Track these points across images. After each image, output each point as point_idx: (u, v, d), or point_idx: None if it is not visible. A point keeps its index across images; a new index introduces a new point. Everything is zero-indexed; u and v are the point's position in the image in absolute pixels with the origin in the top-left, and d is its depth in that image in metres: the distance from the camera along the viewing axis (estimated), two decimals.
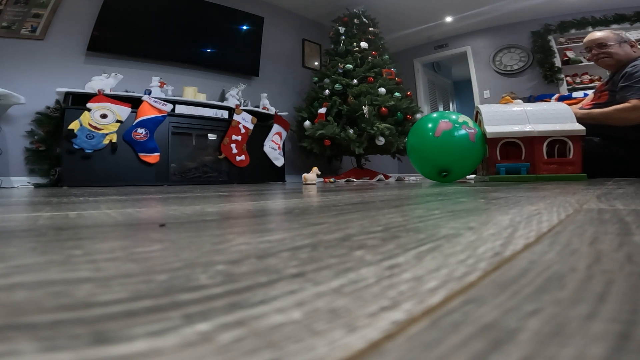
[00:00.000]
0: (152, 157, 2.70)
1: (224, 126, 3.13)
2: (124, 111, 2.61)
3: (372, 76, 3.55)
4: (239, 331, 0.10)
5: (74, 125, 2.40)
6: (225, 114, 3.16)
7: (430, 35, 5.01)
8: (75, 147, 2.40)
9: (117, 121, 2.57)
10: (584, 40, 1.91)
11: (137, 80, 3.02)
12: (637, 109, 1.59)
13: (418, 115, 3.52)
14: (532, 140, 1.59)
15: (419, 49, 5.37)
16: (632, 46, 1.75)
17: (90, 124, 2.46)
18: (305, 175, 2.44)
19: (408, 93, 3.65)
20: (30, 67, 2.68)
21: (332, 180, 3.02)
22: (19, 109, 2.54)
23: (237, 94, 3.37)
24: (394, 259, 0.19)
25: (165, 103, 2.79)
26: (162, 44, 3.25)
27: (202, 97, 3.17)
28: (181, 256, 0.20)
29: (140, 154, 2.65)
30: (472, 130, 1.61)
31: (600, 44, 1.79)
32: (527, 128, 1.58)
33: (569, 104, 1.83)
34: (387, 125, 3.24)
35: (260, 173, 3.32)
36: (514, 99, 3.04)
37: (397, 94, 3.46)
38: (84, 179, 2.43)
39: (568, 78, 4.23)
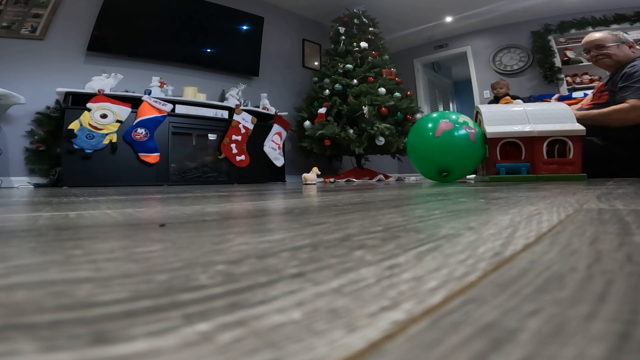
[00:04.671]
0: (152, 157, 2.70)
1: (224, 126, 3.13)
2: (124, 111, 2.61)
3: (372, 76, 3.55)
4: (239, 331, 0.10)
5: (74, 125, 2.40)
6: (225, 114, 3.16)
7: (430, 35, 5.01)
8: (75, 147, 2.40)
9: (117, 121, 2.57)
10: (582, 41, 1.91)
11: (137, 80, 3.02)
12: (635, 109, 1.59)
13: (418, 115, 3.52)
14: (532, 140, 1.59)
15: (419, 49, 5.37)
16: (630, 47, 1.75)
17: (90, 124, 2.46)
18: (305, 175, 2.44)
19: (408, 93, 3.65)
20: (30, 67, 2.68)
21: (332, 180, 3.02)
22: (19, 109, 2.54)
23: (237, 94, 3.37)
24: (394, 259, 0.19)
25: (165, 103, 2.79)
26: (162, 44, 3.25)
27: (202, 97, 3.17)
28: (181, 256, 0.20)
29: (140, 154, 2.65)
30: (472, 130, 1.61)
31: (598, 46, 1.78)
32: (527, 128, 1.58)
33: (569, 104, 1.83)
34: (387, 125, 3.24)
35: (260, 173, 3.32)
36: (502, 87, 3.09)
37: (397, 94, 3.46)
38: (84, 179, 2.43)
39: (568, 78, 4.23)
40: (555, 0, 4.01)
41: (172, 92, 3.04)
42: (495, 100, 3.25)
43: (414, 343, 0.09)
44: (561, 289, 0.13)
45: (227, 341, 0.09)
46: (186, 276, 0.16)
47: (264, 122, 3.43)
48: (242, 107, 3.25)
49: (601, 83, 1.88)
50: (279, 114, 3.58)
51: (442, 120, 1.63)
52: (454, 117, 1.65)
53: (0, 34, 2.60)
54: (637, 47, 1.79)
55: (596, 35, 1.82)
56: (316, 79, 3.88)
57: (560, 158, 1.57)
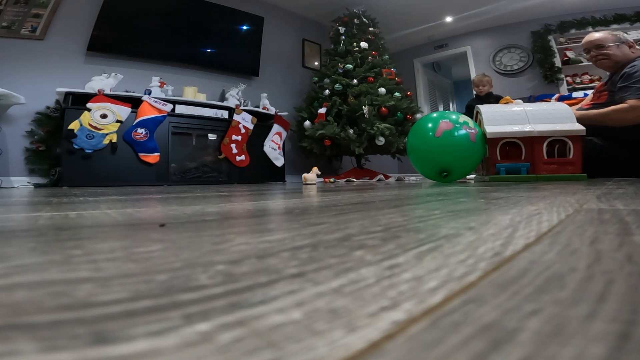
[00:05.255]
0: (152, 157, 2.70)
1: (224, 126, 3.13)
2: (124, 111, 2.61)
3: (372, 76, 3.55)
4: (239, 331, 0.10)
5: (74, 125, 2.40)
6: (225, 114, 3.16)
7: (430, 35, 5.01)
8: (75, 147, 2.40)
9: (117, 121, 2.57)
10: (582, 41, 1.91)
11: (137, 80, 3.02)
12: (635, 109, 1.59)
13: (418, 115, 3.52)
14: (532, 140, 1.59)
15: (419, 49, 5.37)
16: (630, 47, 1.75)
17: (90, 124, 2.46)
18: (305, 175, 2.44)
19: (408, 93, 3.65)
20: (30, 67, 2.68)
21: (332, 180, 3.02)
22: (19, 109, 2.54)
23: (237, 94, 3.37)
24: (394, 259, 0.19)
25: (165, 103, 2.79)
26: (162, 44, 3.25)
27: (202, 97, 3.17)
28: (181, 256, 0.20)
29: (140, 154, 2.65)
30: (473, 131, 1.61)
31: (598, 46, 1.78)
32: (527, 128, 1.58)
33: (569, 104, 1.83)
34: (387, 125, 3.24)
35: (260, 173, 3.32)
36: (486, 85, 2.82)
37: (397, 94, 3.46)
38: (84, 179, 2.43)
39: (568, 78, 4.23)
40: (555, 0, 4.01)
41: (172, 92, 3.03)
42: (478, 99, 2.72)
43: (414, 343, 0.09)
44: (561, 289, 0.13)
45: (227, 341, 0.09)
46: (186, 276, 0.16)
47: (264, 122, 3.43)
48: (242, 107, 3.25)
49: (601, 83, 1.88)
50: (279, 114, 3.58)
51: (442, 120, 1.63)
52: (454, 117, 1.65)
53: (0, 34, 2.60)
54: (637, 47, 1.79)
55: (596, 35, 1.82)
56: (316, 79, 3.88)
57: (560, 158, 1.57)
